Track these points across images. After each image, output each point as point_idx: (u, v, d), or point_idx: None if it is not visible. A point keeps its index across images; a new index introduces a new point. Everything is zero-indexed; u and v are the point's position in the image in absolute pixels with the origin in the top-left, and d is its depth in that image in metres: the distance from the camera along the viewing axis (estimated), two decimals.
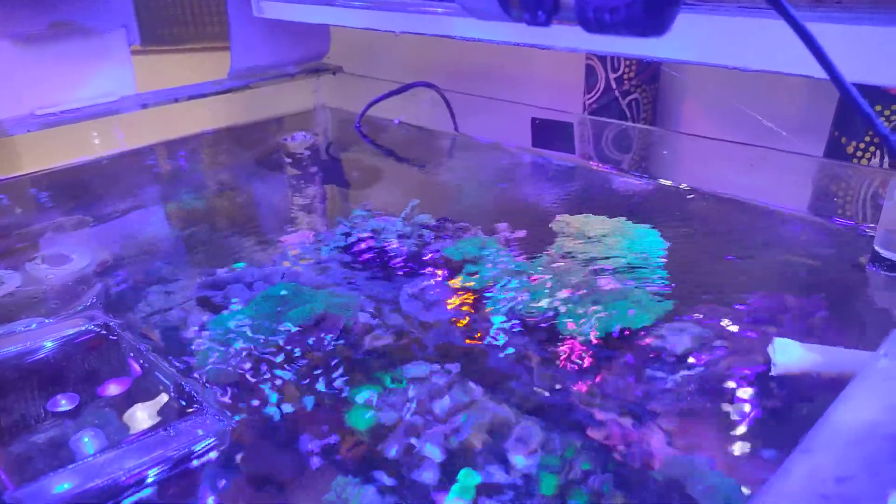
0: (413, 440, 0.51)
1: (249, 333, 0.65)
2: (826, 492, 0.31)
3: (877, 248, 0.68)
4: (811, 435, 0.35)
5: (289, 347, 0.63)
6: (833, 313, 0.64)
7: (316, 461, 0.49)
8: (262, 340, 0.64)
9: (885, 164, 0.89)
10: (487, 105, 1.25)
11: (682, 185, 0.93)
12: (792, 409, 0.53)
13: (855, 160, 0.91)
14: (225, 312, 0.69)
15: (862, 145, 0.89)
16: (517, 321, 0.65)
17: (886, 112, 0.86)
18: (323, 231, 0.88)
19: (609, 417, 0.53)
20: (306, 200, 1.01)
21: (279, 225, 0.91)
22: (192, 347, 0.63)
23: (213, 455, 0.49)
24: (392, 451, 0.50)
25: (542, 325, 0.65)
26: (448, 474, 0.48)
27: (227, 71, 1.25)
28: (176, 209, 0.99)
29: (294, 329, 0.65)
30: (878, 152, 0.88)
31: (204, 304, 0.71)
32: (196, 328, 0.66)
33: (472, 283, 0.72)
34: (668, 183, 0.94)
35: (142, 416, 0.52)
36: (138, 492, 0.46)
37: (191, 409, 0.52)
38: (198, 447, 0.49)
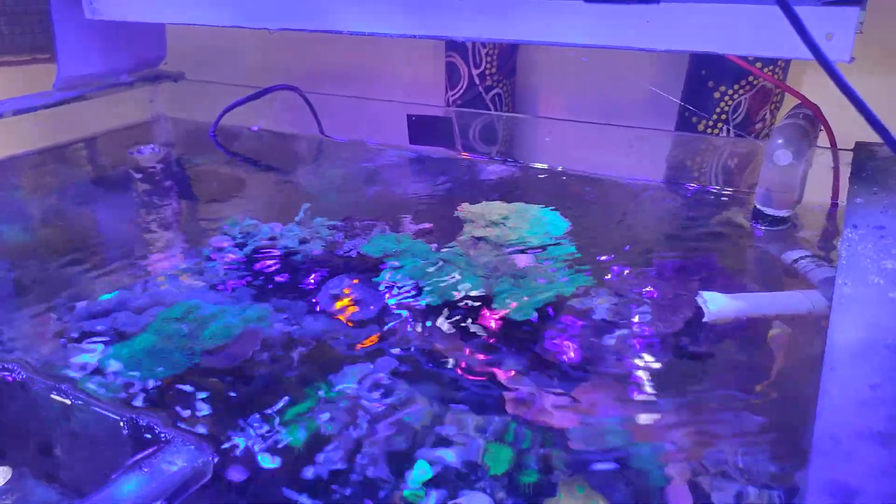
0: (356, 451, 0.48)
1: (156, 362, 0.57)
2: (863, 398, 0.34)
3: (758, 205, 0.76)
4: (828, 354, 0.38)
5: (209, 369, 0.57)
6: (733, 266, 0.71)
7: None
8: (176, 367, 0.57)
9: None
10: (351, 105, 1.22)
11: (561, 168, 0.98)
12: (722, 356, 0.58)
13: None
14: (117, 344, 0.60)
15: (711, 123, 0.99)
16: (447, 308, 0.64)
17: (730, 91, 0.96)
18: (207, 248, 0.80)
19: (548, 391, 0.54)
20: (173, 218, 0.91)
21: (147, 247, 0.81)
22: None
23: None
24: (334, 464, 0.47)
25: (475, 307, 0.64)
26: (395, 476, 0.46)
27: (54, 82, 1.11)
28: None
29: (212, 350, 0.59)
30: (724, 127, 0.99)
31: (88, 338, 0.62)
32: (84, 364, 0.58)
33: (400, 278, 0.70)
34: (559, 168, 0.99)
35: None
36: None
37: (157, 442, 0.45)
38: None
